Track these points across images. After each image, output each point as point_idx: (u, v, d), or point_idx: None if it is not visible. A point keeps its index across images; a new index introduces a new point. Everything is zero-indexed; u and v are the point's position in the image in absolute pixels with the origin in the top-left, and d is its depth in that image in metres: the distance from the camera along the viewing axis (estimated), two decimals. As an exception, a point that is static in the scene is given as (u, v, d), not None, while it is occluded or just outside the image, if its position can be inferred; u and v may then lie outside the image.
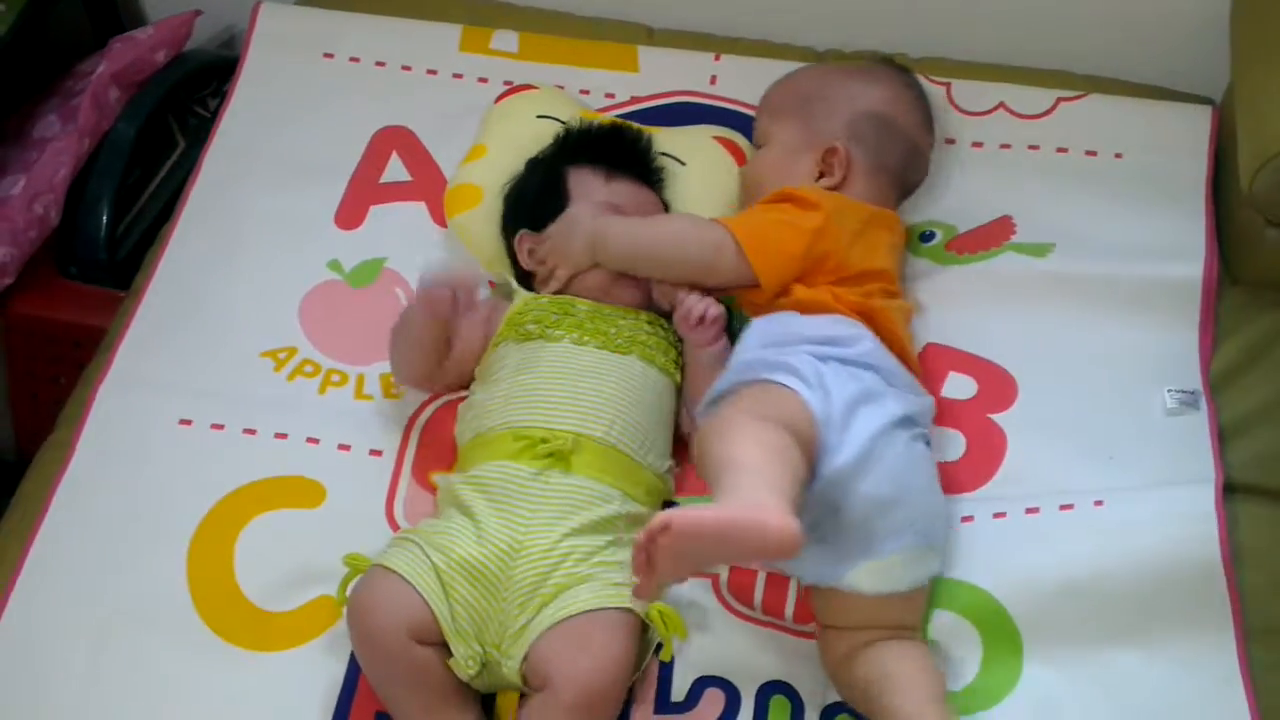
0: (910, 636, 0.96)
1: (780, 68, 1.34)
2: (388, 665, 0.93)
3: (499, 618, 0.94)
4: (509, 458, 1.00)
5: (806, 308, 1.05)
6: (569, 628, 0.92)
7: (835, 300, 1.05)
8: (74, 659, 0.96)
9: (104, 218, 1.36)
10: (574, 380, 1.04)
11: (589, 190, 1.15)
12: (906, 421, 0.99)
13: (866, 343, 1.02)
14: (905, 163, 1.19)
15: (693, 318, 1.07)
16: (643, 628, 0.95)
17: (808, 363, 0.97)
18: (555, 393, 1.03)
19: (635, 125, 1.24)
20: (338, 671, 0.97)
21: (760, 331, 1.04)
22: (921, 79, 1.29)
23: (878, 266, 1.10)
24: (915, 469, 0.98)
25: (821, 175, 1.14)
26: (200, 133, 1.41)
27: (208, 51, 1.54)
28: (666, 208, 1.20)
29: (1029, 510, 1.03)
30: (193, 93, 1.50)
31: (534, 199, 1.16)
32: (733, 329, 1.10)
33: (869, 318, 1.05)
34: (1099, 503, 1.02)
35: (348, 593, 0.96)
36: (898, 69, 1.25)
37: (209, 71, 1.51)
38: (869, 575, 0.94)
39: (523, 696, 0.95)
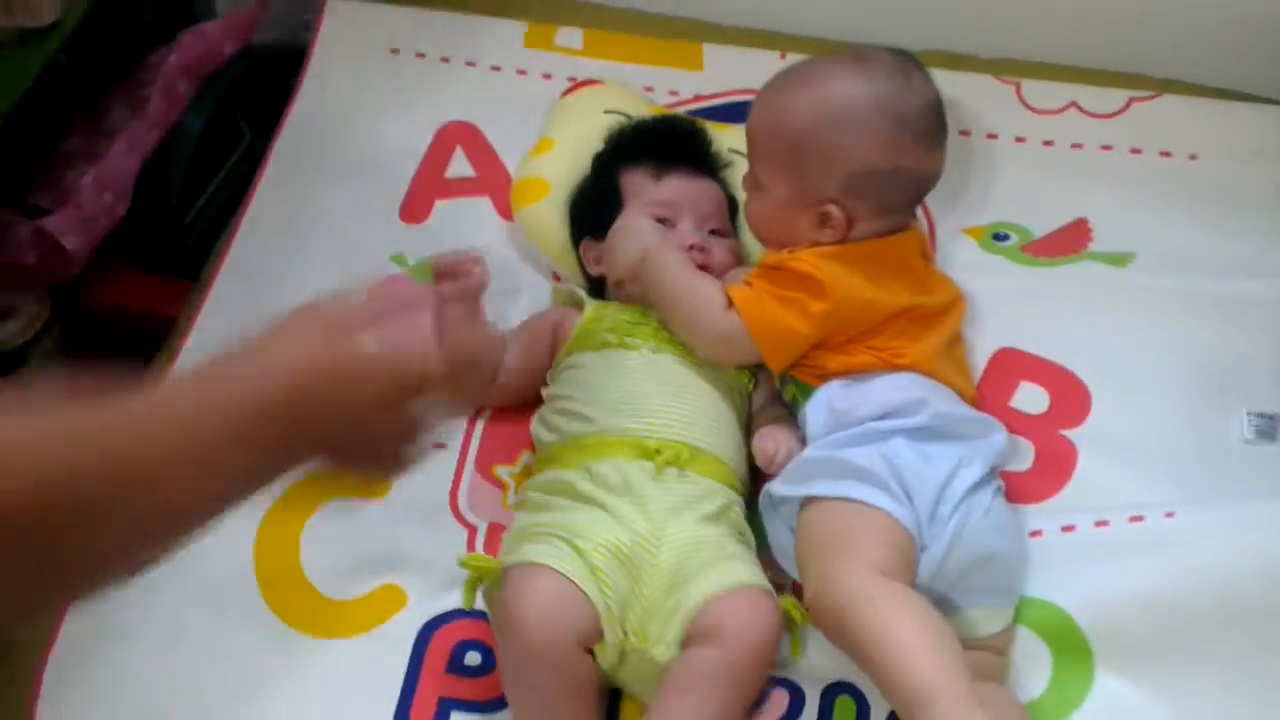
0: (991, 653, 0.95)
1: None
2: (555, 677, 0.88)
3: (641, 603, 0.92)
4: (624, 458, 0.98)
5: (849, 370, 1.02)
6: (739, 594, 0.91)
7: (875, 357, 1.02)
8: (145, 647, 0.97)
9: (172, 207, 1.38)
10: (672, 390, 1.03)
11: (640, 191, 1.13)
12: (985, 477, 0.97)
13: (924, 404, 0.99)
14: (916, 193, 1.09)
15: (763, 459, 1.03)
16: None
17: (881, 462, 0.94)
18: (656, 400, 1.02)
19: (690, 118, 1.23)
20: (401, 658, 0.96)
21: (821, 422, 1.00)
22: (990, 78, 1.27)
23: (901, 304, 1.03)
24: (1000, 531, 0.96)
25: (821, 226, 1.04)
26: (265, 126, 1.41)
27: (275, 44, 1.55)
28: (733, 203, 1.18)
29: (1098, 523, 1.00)
30: (259, 86, 1.52)
31: (591, 205, 1.16)
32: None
33: (914, 363, 1.02)
34: (1170, 514, 0.99)
35: (483, 599, 0.95)
36: (902, 72, 1.05)
37: (275, 64, 1.51)
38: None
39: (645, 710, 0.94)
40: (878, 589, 0.86)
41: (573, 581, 0.89)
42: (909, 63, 1.07)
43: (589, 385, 1.04)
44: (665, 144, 1.17)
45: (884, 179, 1.03)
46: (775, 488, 0.98)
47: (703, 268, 1.09)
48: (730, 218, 1.18)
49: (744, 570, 0.94)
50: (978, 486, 0.96)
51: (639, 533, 0.93)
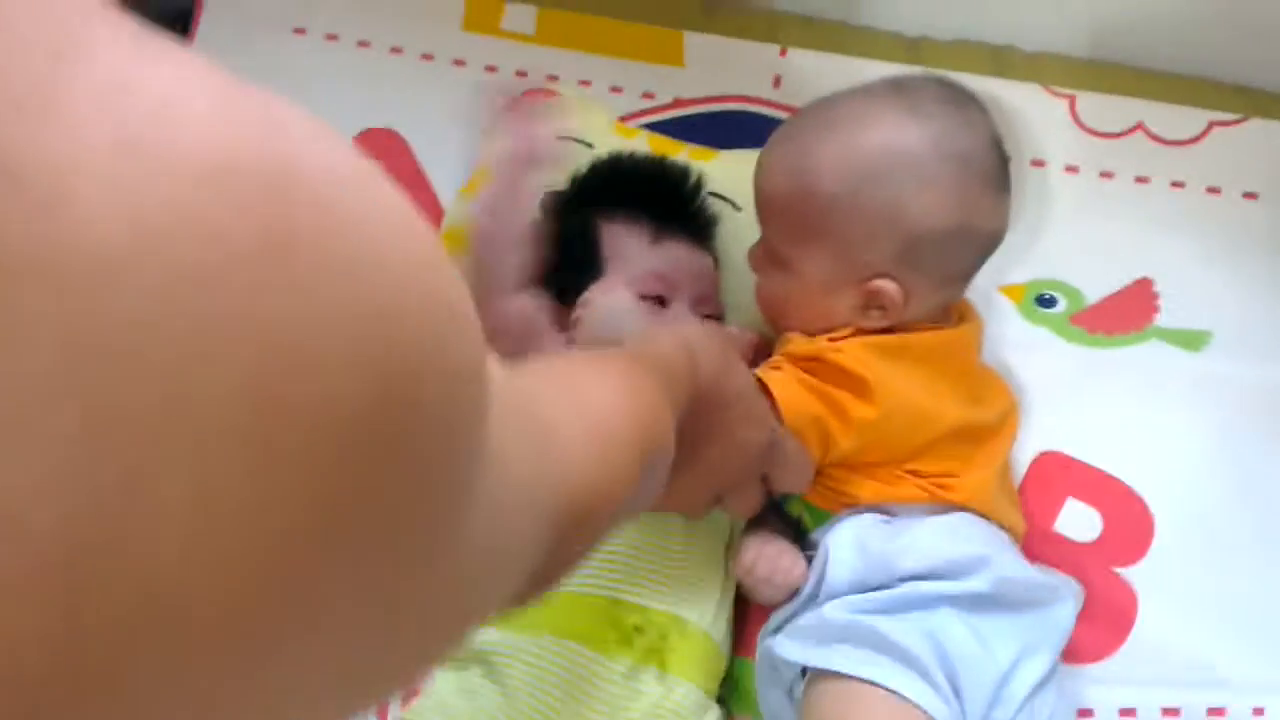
0: None
1: (857, 67, 1.08)
2: None
3: None
4: (581, 638, 0.77)
5: (886, 500, 0.80)
6: None
7: (918, 487, 0.80)
8: None
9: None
10: (660, 537, 0.81)
11: (630, 255, 0.88)
12: (1051, 672, 0.76)
13: (985, 564, 0.76)
14: (983, 254, 0.86)
15: (754, 577, 0.81)
16: None
17: (924, 642, 0.72)
18: (641, 553, 0.80)
19: (683, 160, 0.97)
20: None
21: (847, 565, 0.77)
22: (1038, 88, 1.02)
23: (955, 420, 0.81)
24: None
25: (868, 306, 0.82)
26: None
27: (158, 4, 1.27)
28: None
29: (1167, 712, 0.81)
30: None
31: (557, 256, 0.90)
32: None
33: (968, 498, 0.81)
34: (1259, 711, 0.80)
35: None
36: (955, 103, 0.82)
37: (161, 23, 1.24)
38: None
39: None
40: None
41: None
42: (959, 92, 0.83)
43: None
44: (661, 197, 0.91)
45: (949, 241, 0.80)
46: (780, 646, 0.77)
47: None
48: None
49: None
50: (1043, 684, 0.75)
51: None
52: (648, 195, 0.91)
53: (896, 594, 0.76)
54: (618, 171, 0.93)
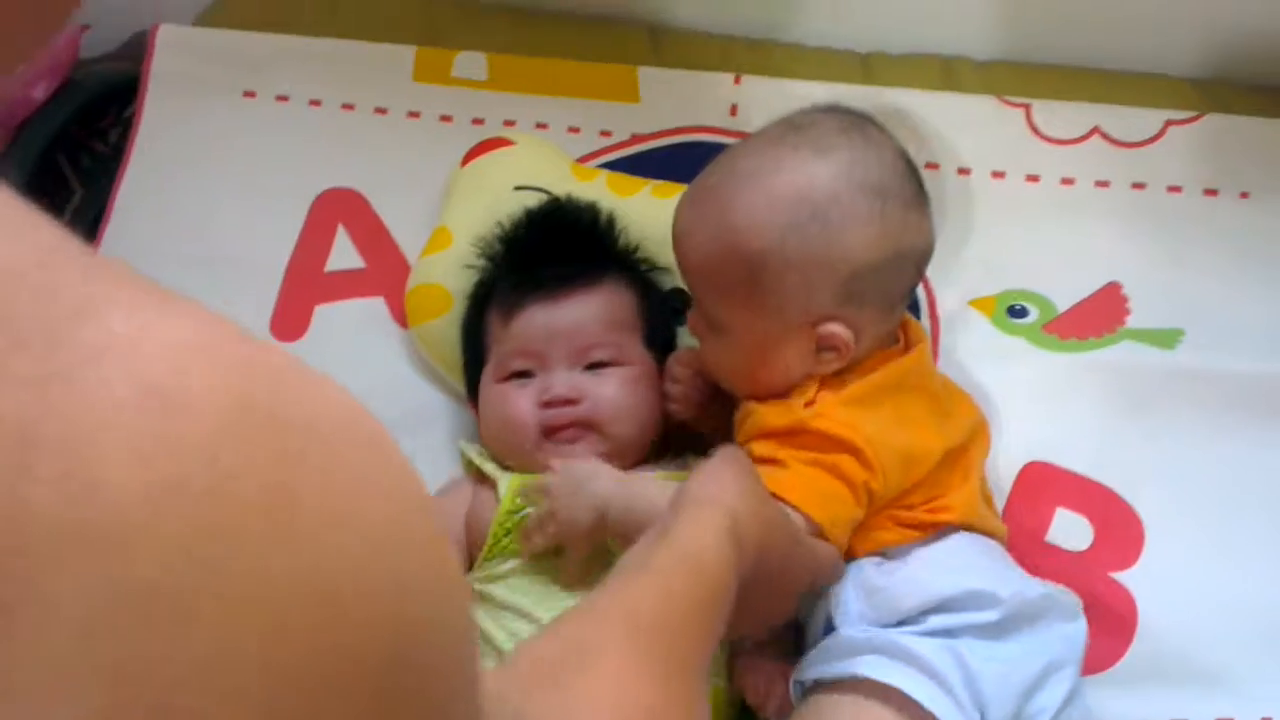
0: None
1: (812, 89, 1.08)
2: None
3: None
4: None
5: (878, 548, 0.80)
6: None
7: (899, 532, 0.80)
8: None
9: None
10: None
11: (495, 340, 0.87)
12: (1075, 688, 0.76)
13: (992, 598, 0.75)
14: (918, 273, 0.85)
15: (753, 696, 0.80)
16: None
17: (950, 660, 0.72)
18: None
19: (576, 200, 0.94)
20: None
21: (854, 610, 0.76)
22: (993, 100, 1.03)
23: (938, 451, 0.81)
24: None
25: (820, 350, 0.80)
26: (98, 174, 1.14)
27: (102, 71, 1.25)
28: (657, 298, 0.92)
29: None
30: (88, 124, 1.22)
31: (466, 355, 0.91)
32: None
33: (960, 517, 0.81)
34: (1268, 720, 0.81)
35: None
36: (855, 130, 0.81)
37: (106, 98, 1.22)
38: None
39: None
40: None
41: None
42: (854, 116, 0.82)
43: (521, 614, 0.78)
44: (528, 255, 0.88)
45: (886, 269, 0.79)
46: (805, 672, 0.76)
47: (573, 427, 0.83)
48: (656, 315, 0.91)
49: None
50: (1070, 701, 0.75)
51: None
52: (518, 257, 0.89)
53: (921, 626, 0.75)
54: (507, 243, 0.91)
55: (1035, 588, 0.80)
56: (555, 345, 0.84)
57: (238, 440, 0.21)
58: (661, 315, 0.92)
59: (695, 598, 0.57)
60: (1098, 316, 0.99)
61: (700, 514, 0.62)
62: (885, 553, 0.80)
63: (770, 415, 0.79)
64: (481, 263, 0.92)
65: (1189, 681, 0.84)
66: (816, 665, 0.76)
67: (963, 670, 0.72)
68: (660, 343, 0.90)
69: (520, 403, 0.83)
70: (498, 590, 0.80)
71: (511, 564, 0.80)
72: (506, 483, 0.82)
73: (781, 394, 0.80)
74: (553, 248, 0.88)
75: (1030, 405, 0.95)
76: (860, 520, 0.78)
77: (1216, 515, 0.90)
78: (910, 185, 0.81)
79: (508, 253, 0.90)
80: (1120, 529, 0.91)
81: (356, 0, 1.18)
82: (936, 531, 0.81)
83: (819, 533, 0.75)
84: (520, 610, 0.78)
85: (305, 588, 0.21)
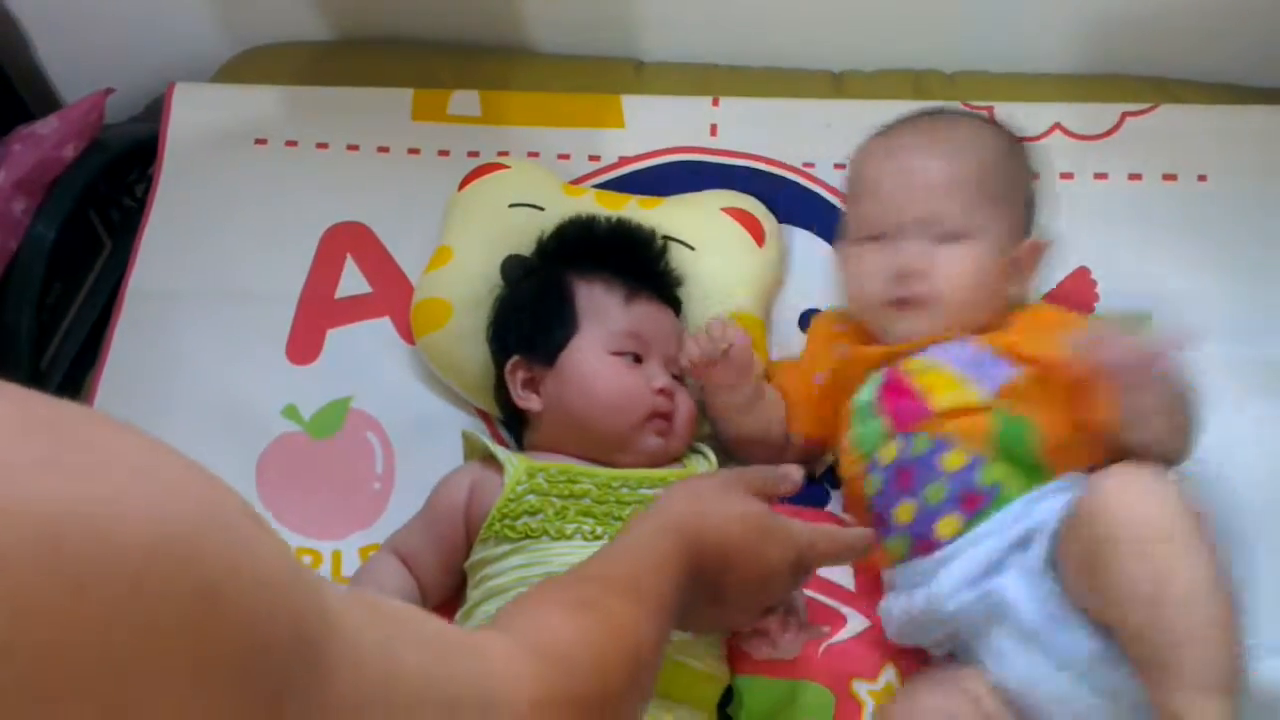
0: None
1: (789, 107, 1.15)
2: None
3: None
4: None
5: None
6: None
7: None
8: None
9: (26, 342, 1.17)
10: None
11: (605, 314, 0.92)
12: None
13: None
14: None
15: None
16: None
17: None
18: None
19: (645, 224, 1.00)
20: None
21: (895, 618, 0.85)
22: (958, 105, 1.09)
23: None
24: None
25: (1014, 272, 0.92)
26: (127, 229, 1.22)
27: (126, 132, 1.33)
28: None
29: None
30: (116, 181, 1.31)
31: (532, 317, 0.94)
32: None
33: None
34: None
35: None
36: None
37: (131, 156, 1.31)
38: None
39: None
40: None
41: None
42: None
43: (508, 591, 0.82)
44: (630, 258, 0.96)
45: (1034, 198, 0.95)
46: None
47: (664, 418, 0.91)
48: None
49: None
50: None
51: None
52: (617, 256, 0.95)
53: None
54: (588, 234, 0.98)
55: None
56: (660, 344, 0.93)
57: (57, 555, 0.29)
58: None
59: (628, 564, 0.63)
60: (1069, 301, 1.03)
61: (647, 519, 0.67)
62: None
63: (1030, 343, 0.87)
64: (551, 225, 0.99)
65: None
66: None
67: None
68: None
69: (636, 379, 0.91)
70: (476, 582, 0.85)
71: (505, 548, 0.85)
72: (512, 462, 0.88)
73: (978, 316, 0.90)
74: (652, 259, 0.97)
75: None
76: None
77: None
78: None
79: (610, 242, 0.97)
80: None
81: (356, 50, 1.26)
82: None
83: None
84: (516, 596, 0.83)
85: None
